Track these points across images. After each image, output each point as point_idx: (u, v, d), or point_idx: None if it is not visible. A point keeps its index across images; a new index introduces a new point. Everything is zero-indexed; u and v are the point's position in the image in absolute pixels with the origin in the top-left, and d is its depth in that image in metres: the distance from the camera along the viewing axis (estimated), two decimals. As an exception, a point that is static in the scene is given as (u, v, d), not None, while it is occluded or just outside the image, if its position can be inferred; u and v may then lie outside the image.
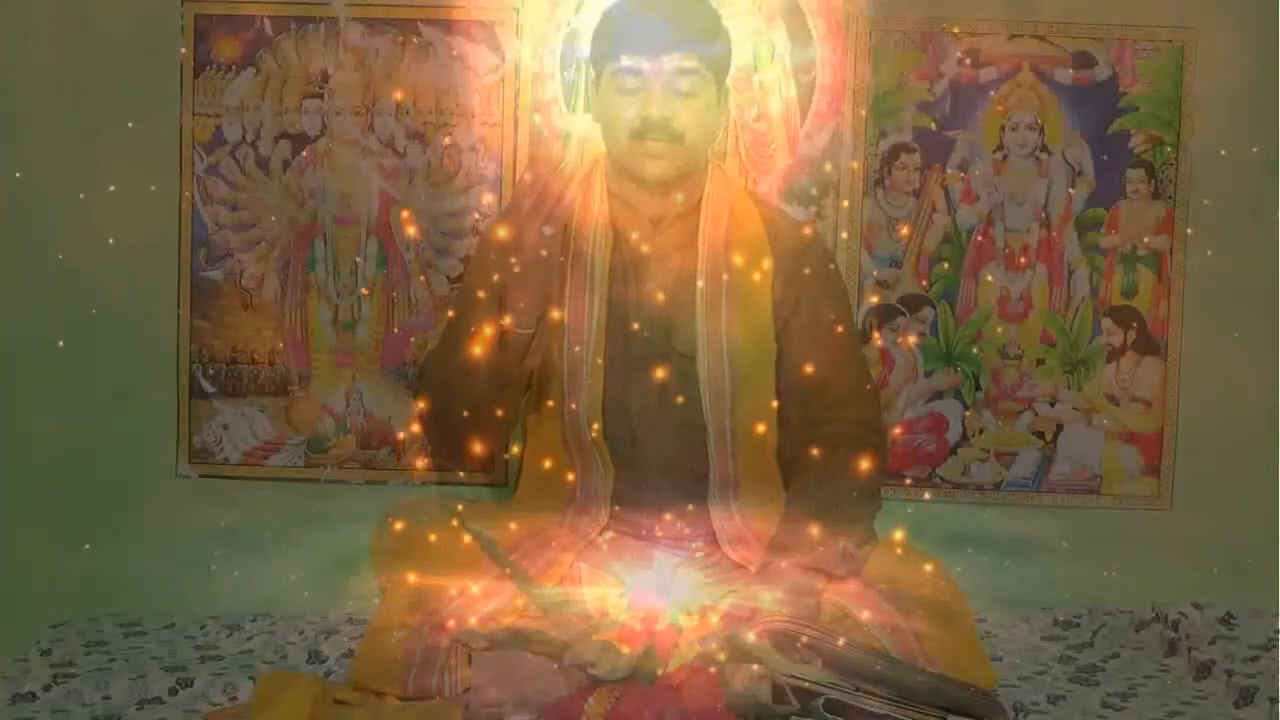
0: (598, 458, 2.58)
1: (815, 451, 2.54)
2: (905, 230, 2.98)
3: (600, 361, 2.57)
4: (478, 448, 2.54)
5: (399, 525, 2.55)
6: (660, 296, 2.59)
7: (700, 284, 2.57)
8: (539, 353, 2.52)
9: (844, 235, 2.97)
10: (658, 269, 2.61)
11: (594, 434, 2.57)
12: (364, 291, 2.97)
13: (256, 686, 2.34)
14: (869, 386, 2.66)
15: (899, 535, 2.53)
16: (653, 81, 2.52)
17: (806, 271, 2.62)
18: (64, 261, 2.93)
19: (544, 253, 2.43)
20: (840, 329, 2.63)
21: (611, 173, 2.64)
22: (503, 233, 2.45)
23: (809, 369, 2.58)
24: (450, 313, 2.64)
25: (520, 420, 2.67)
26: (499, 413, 2.54)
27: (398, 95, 2.95)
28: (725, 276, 2.58)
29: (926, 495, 3.00)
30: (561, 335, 2.57)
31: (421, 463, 2.96)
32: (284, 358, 3.01)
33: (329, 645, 2.63)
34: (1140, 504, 3.02)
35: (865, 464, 2.52)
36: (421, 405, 2.60)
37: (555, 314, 2.53)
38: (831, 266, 2.71)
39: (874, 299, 2.99)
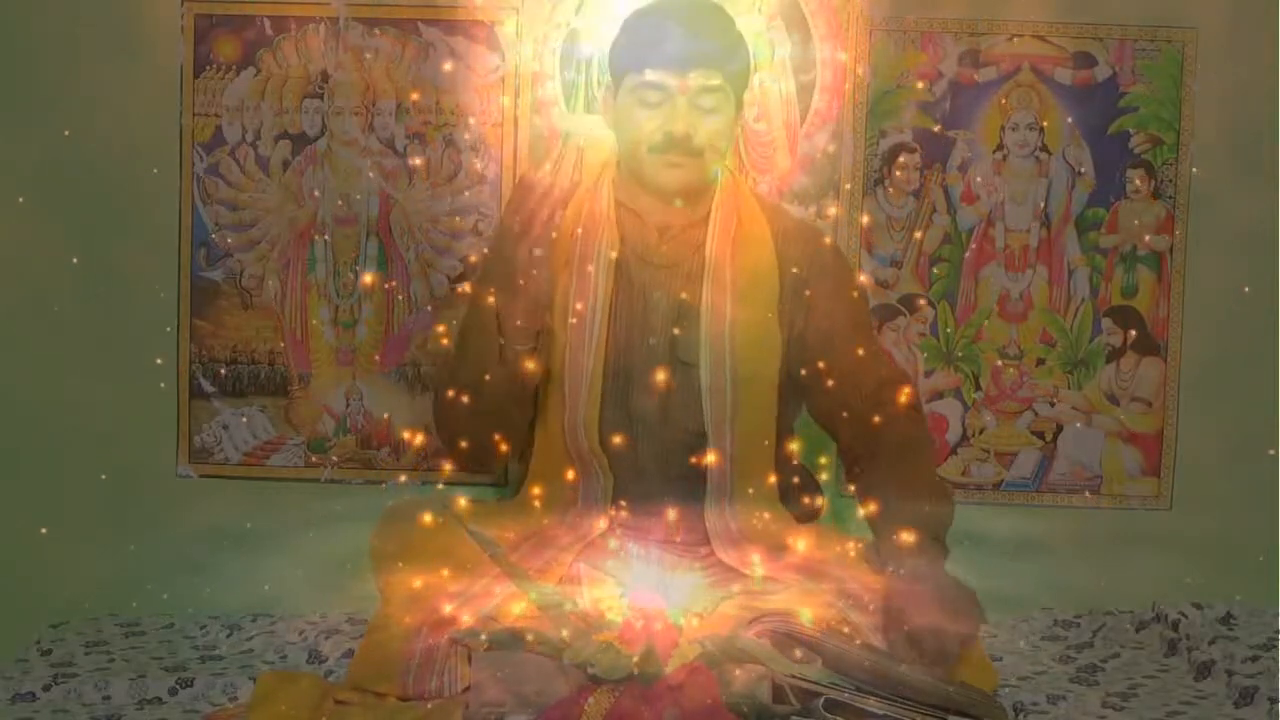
0: (596, 464, 2.59)
1: (876, 439, 2.56)
2: (919, 234, 2.98)
3: (600, 369, 2.57)
4: (491, 456, 2.61)
5: (398, 525, 2.55)
6: (664, 305, 2.59)
7: (705, 293, 2.57)
8: (540, 367, 2.54)
9: (844, 235, 2.97)
10: (664, 277, 2.61)
11: (592, 441, 2.57)
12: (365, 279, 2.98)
13: (256, 686, 2.35)
14: (896, 377, 2.66)
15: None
16: (677, 97, 2.51)
17: (816, 276, 2.62)
18: (63, 260, 2.93)
19: (535, 272, 2.45)
20: (856, 329, 2.64)
21: (620, 181, 2.64)
22: (493, 254, 2.50)
23: (834, 370, 2.58)
24: (457, 338, 2.66)
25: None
26: (509, 425, 2.58)
27: (397, 95, 2.95)
28: (730, 286, 2.57)
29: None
30: (563, 343, 2.57)
31: (405, 478, 2.97)
32: (284, 358, 3.01)
33: (329, 645, 2.63)
34: (1140, 504, 3.02)
35: (914, 449, 2.58)
36: (435, 416, 2.65)
37: (557, 324, 2.55)
38: (844, 269, 2.70)
39: (874, 299, 2.99)
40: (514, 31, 2.93)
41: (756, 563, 2.50)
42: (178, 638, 2.77)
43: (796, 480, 2.64)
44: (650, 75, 2.51)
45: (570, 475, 2.60)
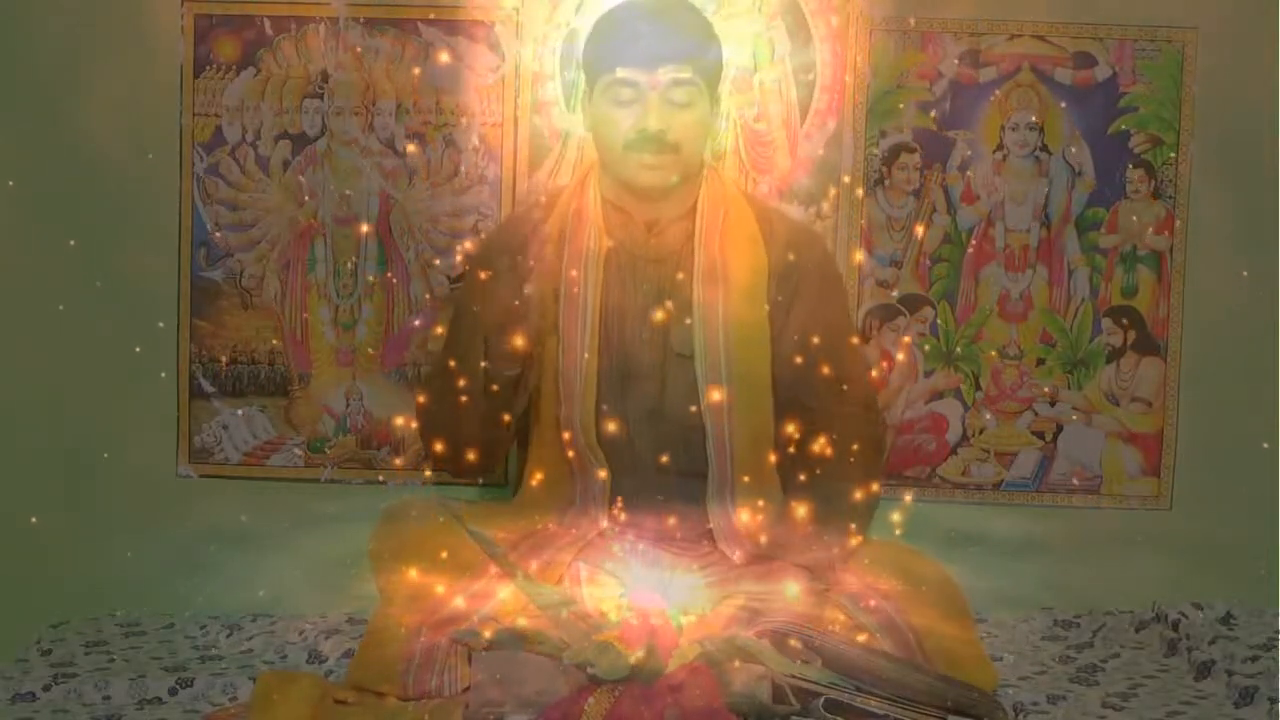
0: (593, 460, 2.59)
1: (816, 439, 2.55)
2: (920, 229, 2.98)
3: (594, 366, 2.57)
4: (477, 464, 2.63)
5: (398, 525, 2.55)
6: (656, 299, 2.59)
7: (696, 285, 2.58)
8: (526, 391, 2.57)
9: (844, 235, 2.97)
10: (654, 272, 2.62)
11: (589, 438, 2.57)
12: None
13: (256, 686, 2.35)
14: (865, 377, 2.70)
15: (898, 534, 2.54)
16: (648, 93, 2.52)
17: (802, 268, 2.63)
18: (63, 260, 2.93)
19: (525, 306, 2.47)
20: (837, 322, 2.66)
21: (605, 179, 2.64)
22: (481, 286, 2.52)
23: (807, 363, 2.59)
24: (442, 351, 2.67)
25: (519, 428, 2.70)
26: (495, 438, 2.60)
27: (398, 95, 2.95)
28: (721, 277, 2.58)
29: (927, 495, 3.00)
30: (555, 340, 2.57)
31: (400, 461, 2.98)
32: (284, 358, 3.01)
33: (329, 645, 2.63)
34: (1140, 504, 3.02)
35: (865, 449, 2.57)
36: (420, 432, 2.70)
37: (548, 323, 2.57)
38: (829, 263, 2.73)
39: (874, 299, 2.99)
40: (514, 31, 2.93)
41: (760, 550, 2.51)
42: (178, 638, 2.77)
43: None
44: (621, 73, 2.53)
45: (567, 472, 2.60)
